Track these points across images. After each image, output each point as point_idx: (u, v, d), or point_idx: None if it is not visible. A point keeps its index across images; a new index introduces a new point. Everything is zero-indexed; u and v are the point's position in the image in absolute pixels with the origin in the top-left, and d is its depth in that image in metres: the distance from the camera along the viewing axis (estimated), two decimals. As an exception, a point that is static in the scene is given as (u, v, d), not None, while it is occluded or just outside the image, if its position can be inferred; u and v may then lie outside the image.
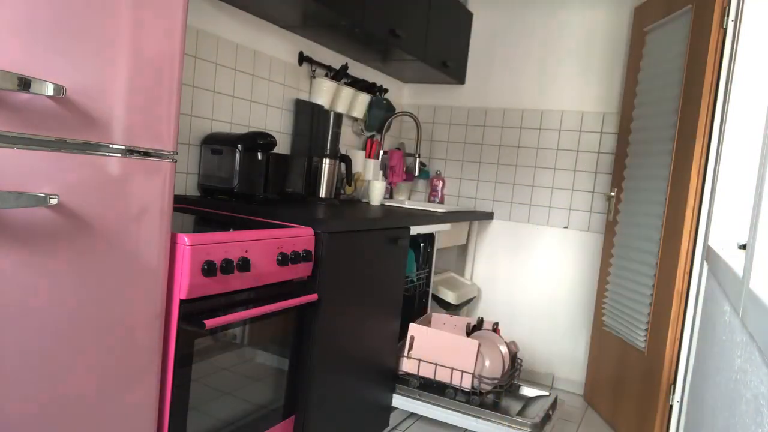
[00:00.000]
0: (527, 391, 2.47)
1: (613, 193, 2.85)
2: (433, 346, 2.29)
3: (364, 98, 2.96)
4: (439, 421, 2.33)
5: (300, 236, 1.68)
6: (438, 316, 2.55)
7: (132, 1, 1.12)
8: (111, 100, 1.11)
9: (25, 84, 0.95)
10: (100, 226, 1.11)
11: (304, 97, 2.66)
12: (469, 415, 2.21)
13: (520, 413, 2.24)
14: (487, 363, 2.31)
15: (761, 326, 0.87)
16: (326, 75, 2.76)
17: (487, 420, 2.17)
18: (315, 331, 1.78)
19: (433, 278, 2.71)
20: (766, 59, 1.76)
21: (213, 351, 1.48)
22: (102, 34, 1.07)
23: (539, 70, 3.17)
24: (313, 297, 1.73)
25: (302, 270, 1.70)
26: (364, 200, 2.89)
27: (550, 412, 2.29)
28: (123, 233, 1.16)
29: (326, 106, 2.68)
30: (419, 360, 2.30)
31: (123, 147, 1.14)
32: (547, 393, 2.43)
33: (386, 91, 3.22)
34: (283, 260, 1.59)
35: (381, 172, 3.08)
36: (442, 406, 2.26)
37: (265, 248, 1.54)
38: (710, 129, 2.11)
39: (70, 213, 1.06)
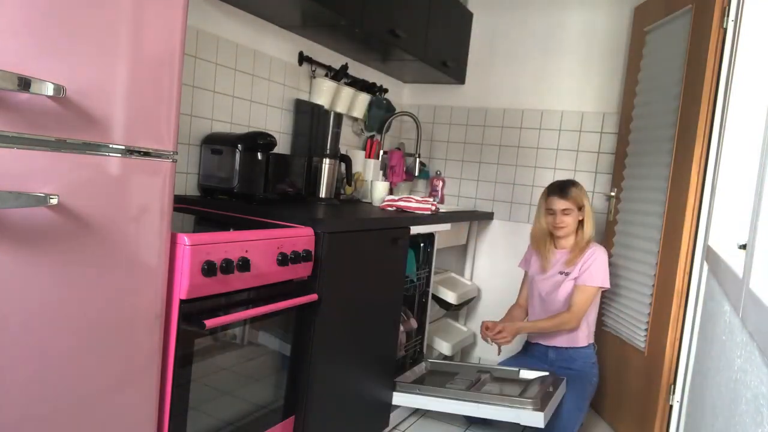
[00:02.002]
0: (525, 374, 2.47)
1: (613, 193, 2.85)
2: None
3: (364, 98, 2.96)
4: (440, 416, 2.32)
5: (300, 236, 1.68)
6: None
7: (132, 1, 1.12)
8: (111, 100, 1.11)
9: (25, 84, 0.95)
10: (100, 226, 1.11)
11: (304, 97, 2.66)
12: (471, 401, 2.20)
13: (521, 395, 2.23)
14: None
15: (761, 326, 0.87)
16: (326, 75, 2.76)
17: (489, 404, 2.17)
18: (315, 331, 1.78)
19: (433, 278, 2.71)
20: (766, 59, 1.76)
21: (213, 351, 1.48)
22: (102, 34, 1.07)
23: (539, 70, 3.17)
24: (313, 297, 1.73)
25: (302, 270, 1.70)
26: (365, 200, 2.88)
27: (551, 389, 2.28)
28: (123, 233, 1.16)
29: (326, 106, 2.68)
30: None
31: (123, 147, 1.14)
32: (546, 372, 2.43)
33: (386, 91, 3.22)
34: (283, 260, 1.59)
35: (381, 172, 3.08)
36: (443, 397, 2.25)
37: (265, 248, 1.54)
38: (710, 129, 2.11)
39: (70, 213, 1.06)
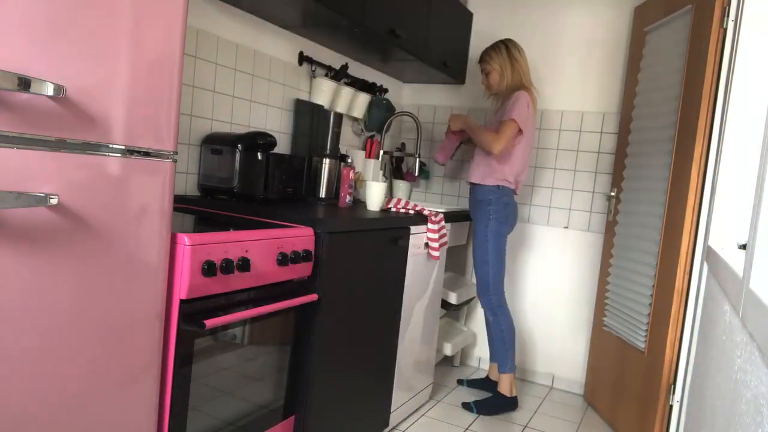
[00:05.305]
0: None
1: (613, 193, 2.85)
2: None
3: (364, 98, 2.96)
4: (440, 416, 2.31)
5: (300, 236, 1.68)
6: None
7: (132, 1, 1.12)
8: (111, 100, 1.11)
9: (25, 84, 0.95)
10: (100, 226, 1.11)
11: (304, 97, 2.66)
12: None
13: None
14: None
15: (761, 326, 0.87)
16: (326, 75, 2.76)
17: None
18: (315, 331, 1.78)
19: (433, 278, 2.71)
20: (766, 59, 1.76)
21: (213, 351, 1.48)
22: (102, 34, 1.07)
23: (539, 70, 3.17)
24: (313, 297, 1.73)
25: (302, 270, 1.70)
26: (364, 200, 2.88)
27: None
28: (123, 233, 1.16)
29: (326, 106, 2.68)
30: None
31: (123, 147, 1.14)
32: None
33: (386, 91, 3.22)
34: (283, 260, 1.59)
35: (381, 173, 3.07)
36: None
37: (265, 248, 1.54)
38: (710, 129, 2.11)
39: (70, 213, 1.06)
